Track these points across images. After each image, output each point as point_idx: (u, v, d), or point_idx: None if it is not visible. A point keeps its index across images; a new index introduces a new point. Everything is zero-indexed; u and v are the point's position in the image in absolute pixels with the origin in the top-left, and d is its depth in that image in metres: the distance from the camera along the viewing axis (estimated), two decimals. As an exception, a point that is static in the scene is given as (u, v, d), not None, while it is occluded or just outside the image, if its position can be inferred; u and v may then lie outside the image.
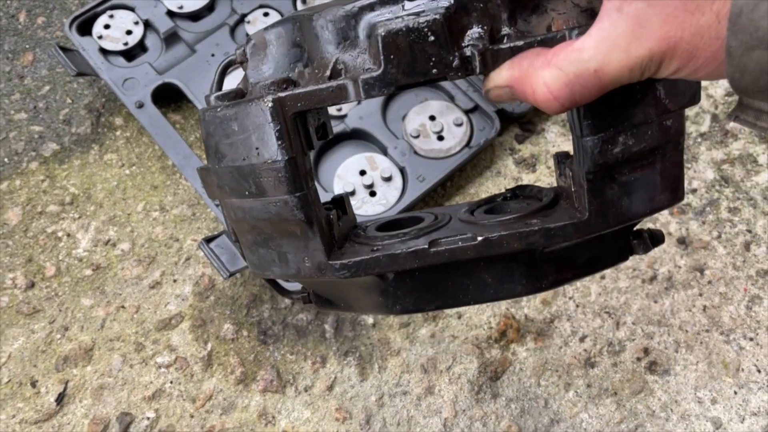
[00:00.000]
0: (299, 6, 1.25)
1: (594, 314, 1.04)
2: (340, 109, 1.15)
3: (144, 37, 1.22)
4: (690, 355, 1.01)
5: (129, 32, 1.21)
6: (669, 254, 1.08)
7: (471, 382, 1.00)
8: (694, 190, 1.13)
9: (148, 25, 1.22)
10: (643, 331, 1.03)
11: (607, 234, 0.49)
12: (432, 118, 1.14)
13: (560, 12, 0.44)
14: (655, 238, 0.55)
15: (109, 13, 1.21)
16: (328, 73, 0.47)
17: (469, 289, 0.52)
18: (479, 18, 0.44)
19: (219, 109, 0.48)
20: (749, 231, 1.09)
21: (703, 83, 1.23)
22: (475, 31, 0.44)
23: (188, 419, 0.99)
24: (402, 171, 1.10)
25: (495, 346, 1.02)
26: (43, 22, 1.34)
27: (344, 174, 1.09)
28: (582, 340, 1.02)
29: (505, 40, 0.44)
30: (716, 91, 1.22)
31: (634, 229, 0.55)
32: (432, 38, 0.43)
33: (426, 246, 0.48)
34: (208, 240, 0.98)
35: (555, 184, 0.57)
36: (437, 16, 0.42)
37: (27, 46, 1.31)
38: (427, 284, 0.52)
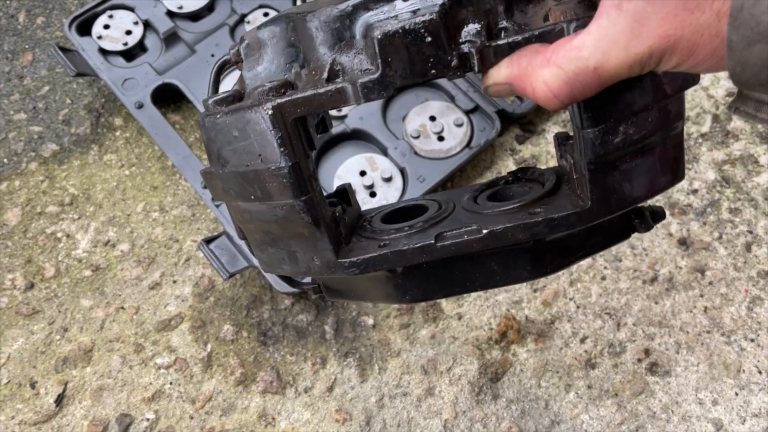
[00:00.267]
0: (299, 4, 1.25)
1: (595, 315, 1.04)
2: (340, 110, 1.15)
3: (144, 37, 1.21)
4: (691, 357, 1.00)
5: (129, 32, 1.21)
6: (670, 255, 1.07)
7: (471, 384, 1.00)
8: (695, 191, 1.13)
9: (147, 25, 1.22)
10: (644, 332, 1.02)
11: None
12: (432, 118, 1.13)
13: (557, 1, 0.44)
14: (656, 215, 0.55)
15: (108, 13, 1.21)
16: (325, 75, 0.46)
17: (476, 277, 0.53)
18: (475, 12, 0.43)
19: (219, 116, 0.48)
20: (750, 232, 1.09)
21: (705, 84, 1.22)
22: (472, 28, 0.43)
23: (188, 420, 0.98)
24: (402, 171, 1.10)
25: (495, 347, 1.02)
26: (42, 22, 1.34)
27: (344, 174, 1.09)
28: (583, 341, 1.02)
29: (502, 35, 0.44)
30: (717, 91, 1.22)
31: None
32: (429, 39, 0.42)
33: (432, 241, 0.48)
34: (208, 241, 0.98)
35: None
36: (433, 16, 0.42)
37: (26, 46, 1.31)
38: (435, 274, 0.52)
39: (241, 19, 1.24)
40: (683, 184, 1.13)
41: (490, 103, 1.15)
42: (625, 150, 0.45)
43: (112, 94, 1.24)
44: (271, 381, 1.01)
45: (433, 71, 0.43)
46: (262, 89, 0.47)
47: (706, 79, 1.24)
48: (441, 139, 1.12)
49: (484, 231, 0.48)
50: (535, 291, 1.06)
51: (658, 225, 1.09)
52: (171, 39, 1.21)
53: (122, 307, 1.07)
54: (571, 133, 0.53)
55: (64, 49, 1.16)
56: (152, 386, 1.01)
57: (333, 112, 1.15)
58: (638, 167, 0.47)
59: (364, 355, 1.02)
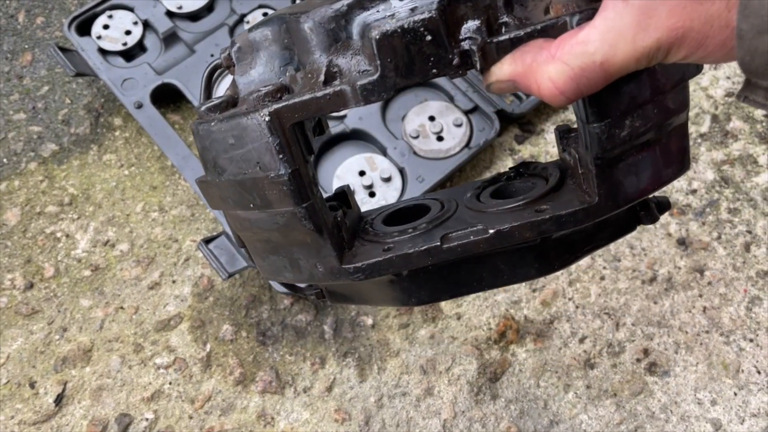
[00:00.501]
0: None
1: (594, 315, 1.04)
2: (339, 110, 1.15)
3: (143, 37, 1.21)
4: (690, 357, 1.00)
5: (128, 32, 1.21)
6: (669, 255, 1.07)
7: (470, 383, 1.00)
8: (694, 191, 1.13)
9: (147, 25, 1.22)
10: (643, 332, 1.02)
11: None
12: (431, 118, 1.13)
13: None
14: (662, 206, 0.54)
15: (108, 13, 1.21)
16: (322, 78, 0.45)
17: (483, 276, 0.51)
18: (474, 8, 0.42)
19: (213, 123, 0.46)
20: (749, 232, 1.09)
21: (704, 84, 1.23)
22: (471, 24, 0.42)
23: (187, 420, 0.98)
24: (401, 172, 1.10)
25: (494, 347, 1.02)
26: (42, 22, 1.34)
27: (343, 174, 1.09)
28: (581, 341, 1.02)
29: (503, 30, 0.43)
30: (716, 92, 1.22)
31: None
32: (429, 37, 0.41)
33: (438, 243, 0.47)
34: (207, 241, 0.98)
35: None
36: (433, 13, 0.40)
37: (26, 46, 1.31)
38: (441, 276, 0.51)
39: (241, 19, 1.24)
40: (682, 184, 1.13)
41: (489, 103, 1.15)
42: (632, 143, 0.44)
43: (111, 94, 1.24)
44: (270, 381, 1.01)
45: (434, 70, 0.42)
46: (258, 94, 0.46)
47: (705, 79, 1.24)
48: (440, 139, 1.12)
49: (491, 231, 0.46)
50: (534, 291, 1.06)
51: (657, 225, 1.09)
52: (170, 39, 1.21)
53: (121, 307, 1.07)
54: (573, 126, 0.53)
55: (63, 49, 1.16)
56: (151, 386, 1.01)
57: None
58: (645, 159, 0.46)
59: (363, 355, 1.03)
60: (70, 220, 1.14)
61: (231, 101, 0.49)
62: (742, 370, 0.99)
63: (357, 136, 1.14)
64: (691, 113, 1.20)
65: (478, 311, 1.05)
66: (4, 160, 1.20)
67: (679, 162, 0.48)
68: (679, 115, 0.47)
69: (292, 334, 1.04)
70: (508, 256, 0.50)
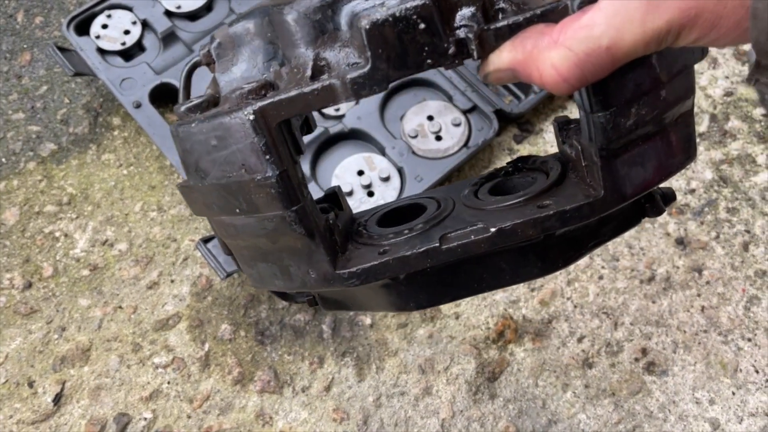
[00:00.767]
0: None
1: (592, 315, 1.04)
2: (338, 109, 1.15)
3: (142, 37, 1.21)
4: (688, 356, 1.01)
5: (127, 32, 1.21)
6: (667, 254, 1.07)
7: (469, 383, 1.00)
8: (692, 191, 1.13)
9: (145, 25, 1.22)
10: (641, 331, 1.02)
11: None
12: (430, 118, 1.13)
13: None
14: (667, 198, 0.52)
15: (106, 13, 1.21)
16: (308, 72, 0.43)
17: (484, 277, 0.49)
18: None
19: (193, 124, 0.44)
20: (748, 231, 1.09)
21: (702, 84, 1.23)
22: (467, 11, 0.40)
23: (185, 420, 0.98)
24: (400, 171, 1.10)
25: (493, 346, 1.02)
26: (40, 21, 1.34)
27: (342, 174, 1.09)
28: (580, 340, 1.02)
29: (500, 17, 0.41)
30: (715, 91, 1.22)
31: None
32: (423, 26, 0.38)
33: (437, 244, 0.44)
34: (206, 240, 0.98)
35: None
36: (426, 0, 0.38)
37: (25, 46, 1.31)
38: (440, 278, 0.49)
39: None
40: (681, 183, 1.13)
41: (487, 102, 1.15)
42: (637, 132, 0.42)
43: (110, 94, 1.24)
44: (269, 380, 1.01)
45: (429, 61, 0.40)
46: (241, 92, 0.44)
47: (703, 78, 1.24)
48: (439, 138, 1.12)
49: (492, 229, 0.44)
50: (532, 290, 1.06)
51: (656, 224, 1.10)
52: (169, 39, 1.21)
53: (120, 307, 1.07)
54: (571, 117, 0.50)
55: (62, 49, 1.16)
56: (150, 385, 1.01)
57: (330, 111, 1.15)
58: (651, 149, 0.44)
59: (361, 354, 1.03)
60: (69, 220, 1.14)
61: (212, 100, 0.46)
62: (741, 370, 0.99)
63: (355, 136, 1.14)
64: (690, 113, 1.20)
65: (476, 311, 1.05)
66: (3, 159, 1.20)
67: (686, 151, 0.47)
68: (685, 102, 0.45)
69: (291, 334, 1.04)
70: (510, 255, 0.48)
